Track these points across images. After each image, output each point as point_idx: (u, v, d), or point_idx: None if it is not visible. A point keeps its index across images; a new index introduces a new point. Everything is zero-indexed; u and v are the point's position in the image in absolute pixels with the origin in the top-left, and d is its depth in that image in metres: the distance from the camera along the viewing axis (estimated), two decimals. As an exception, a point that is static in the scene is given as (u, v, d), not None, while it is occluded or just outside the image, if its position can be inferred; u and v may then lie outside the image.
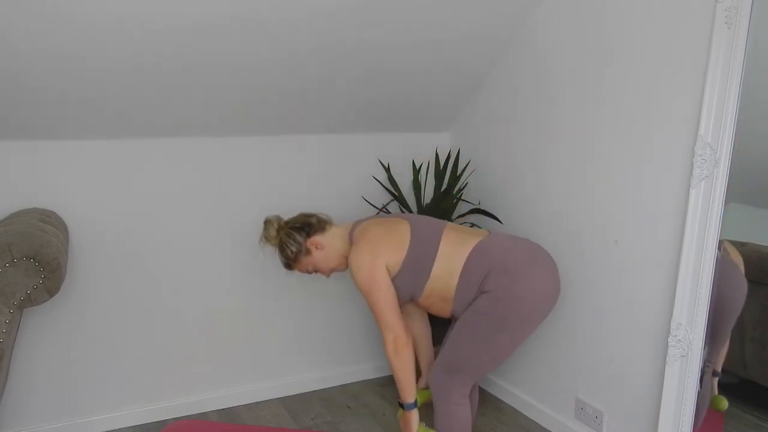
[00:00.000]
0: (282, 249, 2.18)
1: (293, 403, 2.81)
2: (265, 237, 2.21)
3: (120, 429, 2.58)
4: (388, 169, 2.90)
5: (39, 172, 2.32)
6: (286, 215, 2.73)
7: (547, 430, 2.56)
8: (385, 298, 1.95)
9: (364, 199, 2.89)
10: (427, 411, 2.15)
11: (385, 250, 1.98)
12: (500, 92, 2.69)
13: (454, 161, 2.83)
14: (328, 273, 2.22)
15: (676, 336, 1.95)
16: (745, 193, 1.90)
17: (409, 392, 1.98)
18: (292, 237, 2.15)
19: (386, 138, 2.90)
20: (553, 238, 2.46)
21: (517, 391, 2.75)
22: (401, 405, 2.02)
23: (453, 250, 1.97)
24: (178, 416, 2.68)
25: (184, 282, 2.62)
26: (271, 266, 2.76)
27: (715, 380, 1.98)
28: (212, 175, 2.60)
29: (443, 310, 2.04)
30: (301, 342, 2.90)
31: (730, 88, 1.77)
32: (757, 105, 1.80)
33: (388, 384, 2.99)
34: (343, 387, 2.97)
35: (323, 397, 2.87)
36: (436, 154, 2.89)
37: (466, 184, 2.90)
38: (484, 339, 1.91)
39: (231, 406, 2.77)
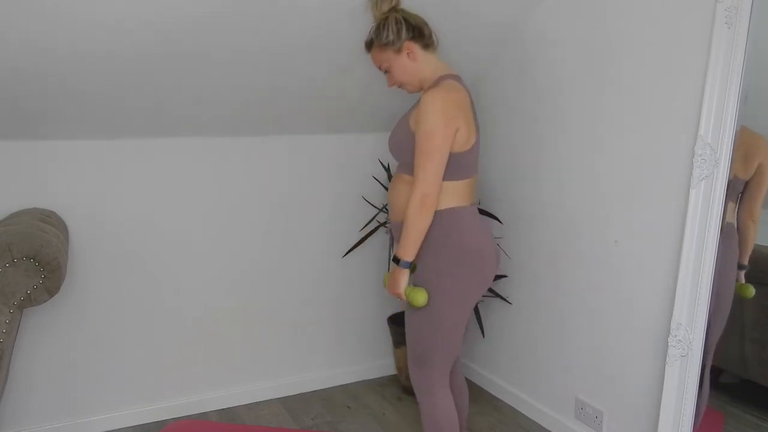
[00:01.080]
0: (380, 27, 2.01)
1: (293, 403, 2.81)
2: (375, 5, 2.02)
3: (120, 429, 2.58)
4: (388, 169, 2.90)
5: (39, 172, 2.32)
6: (286, 214, 2.76)
7: (547, 430, 2.56)
8: (440, 151, 1.86)
9: (364, 199, 2.89)
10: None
11: (461, 125, 1.90)
12: (500, 93, 2.69)
13: (454, 161, 2.83)
14: (395, 82, 2.09)
15: (676, 336, 1.95)
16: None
17: (412, 252, 1.91)
18: (400, 26, 1.98)
19: (386, 138, 2.90)
20: (552, 238, 2.46)
21: (516, 390, 2.75)
22: (396, 261, 1.94)
23: (459, 191, 1.95)
24: (178, 416, 2.68)
25: (184, 282, 2.62)
26: (271, 266, 2.76)
27: (742, 273, 1.93)
28: (212, 175, 2.60)
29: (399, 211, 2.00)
30: (300, 342, 2.89)
31: (730, 88, 1.77)
32: (757, 105, 1.80)
33: (388, 384, 2.99)
34: (343, 387, 2.97)
35: (323, 397, 2.87)
36: (436, 154, 2.89)
37: (466, 184, 2.90)
38: (433, 318, 1.93)
39: (231, 406, 2.77)
